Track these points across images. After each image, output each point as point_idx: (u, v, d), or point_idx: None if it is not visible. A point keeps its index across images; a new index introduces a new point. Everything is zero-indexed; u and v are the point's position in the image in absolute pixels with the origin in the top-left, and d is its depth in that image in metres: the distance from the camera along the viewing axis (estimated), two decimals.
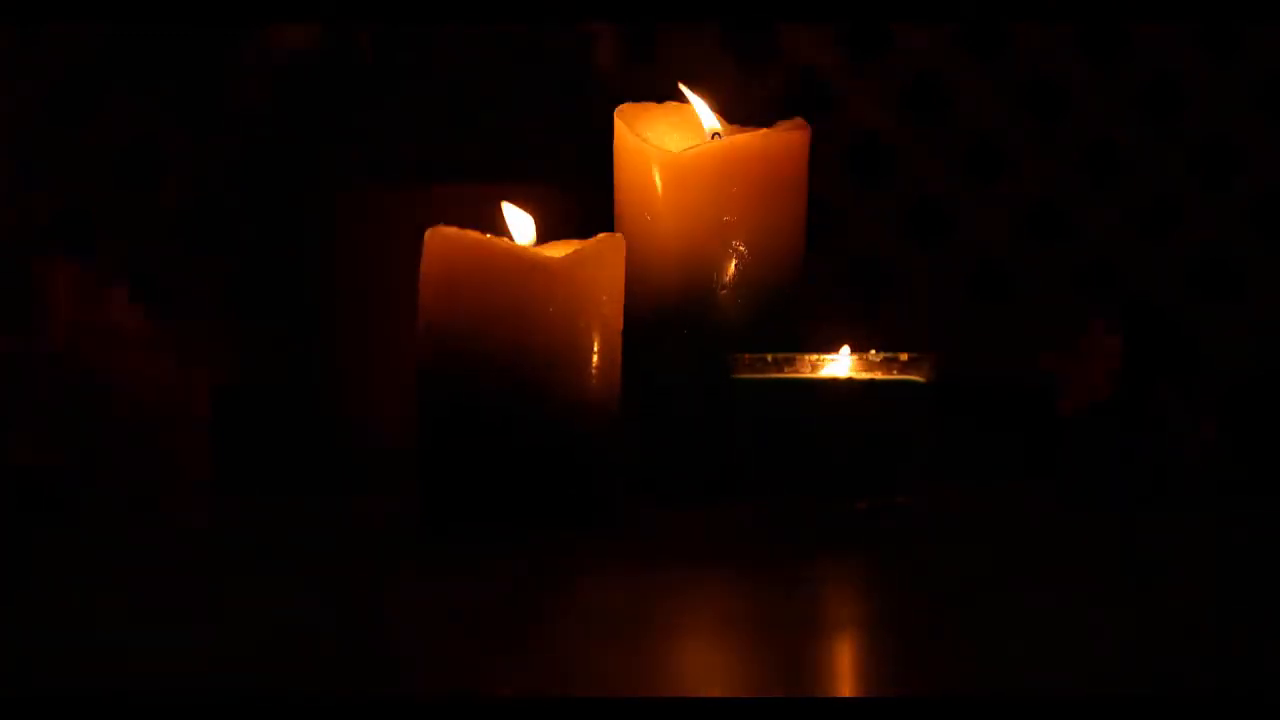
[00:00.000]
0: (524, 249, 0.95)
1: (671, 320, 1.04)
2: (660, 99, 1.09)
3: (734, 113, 1.08)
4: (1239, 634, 0.68)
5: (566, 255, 0.95)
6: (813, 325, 1.06)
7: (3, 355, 1.05)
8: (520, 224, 0.98)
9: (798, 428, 0.94)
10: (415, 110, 1.26)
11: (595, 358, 0.94)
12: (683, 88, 1.07)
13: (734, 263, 1.04)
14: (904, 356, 0.94)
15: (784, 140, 1.05)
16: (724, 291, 1.04)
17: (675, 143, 1.07)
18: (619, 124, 1.06)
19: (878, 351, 0.94)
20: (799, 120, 1.06)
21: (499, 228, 0.97)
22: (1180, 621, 0.71)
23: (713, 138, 1.07)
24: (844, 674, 0.64)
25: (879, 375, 0.93)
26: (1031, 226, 1.36)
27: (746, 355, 0.96)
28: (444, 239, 0.94)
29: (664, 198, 1.04)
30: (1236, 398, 1.14)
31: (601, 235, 0.96)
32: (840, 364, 0.94)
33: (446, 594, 0.79)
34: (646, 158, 1.04)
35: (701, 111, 1.07)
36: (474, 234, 0.93)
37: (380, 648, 0.67)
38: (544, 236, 0.98)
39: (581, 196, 1.16)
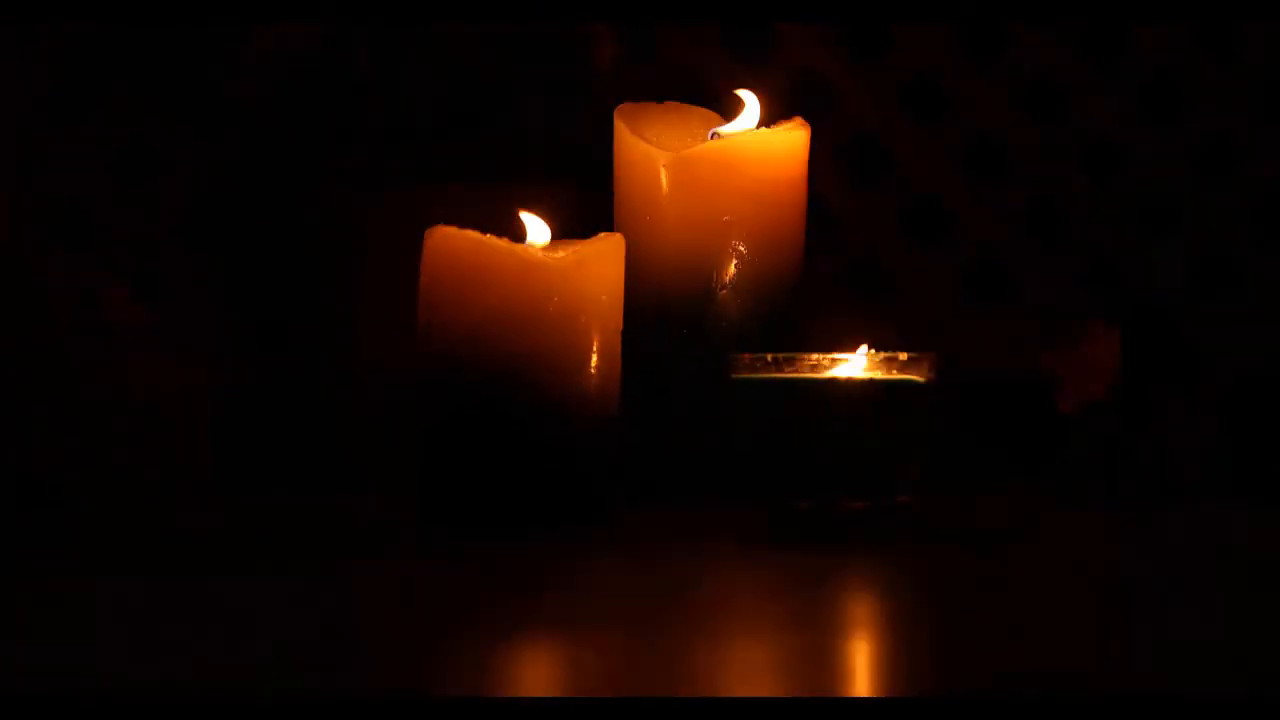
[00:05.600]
0: (524, 249, 0.95)
1: (671, 320, 1.04)
2: (660, 99, 1.09)
3: (735, 113, 1.08)
4: (1239, 634, 0.68)
5: (566, 255, 0.95)
6: (812, 325, 1.06)
7: (3, 355, 1.05)
8: (537, 228, 0.97)
9: (797, 428, 0.94)
10: (415, 110, 1.26)
11: (595, 358, 0.94)
12: (742, 92, 1.07)
13: (734, 263, 1.04)
14: (904, 356, 0.94)
15: (784, 140, 1.05)
16: (724, 291, 1.04)
17: (675, 143, 1.07)
18: (619, 124, 1.06)
19: (878, 351, 0.94)
20: (799, 120, 1.06)
21: (499, 228, 0.97)
22: (1180, 621, 0.71)
23: (712, 137, 1.07)
24: (844, 674, 0.64)
25: (879, 375, 0.93)
26: (1031, 226, 1.36)
27: (746, 355, 0.95)
28: (444, 239, 0.94)
29: (664, 197, 1.04)
30: (1236, 398, 1.14)
31: (601, 235, 0.96)
32: (855, 364, 0.94)
33: (446, 594, 0.79)
34: (647, 157, 1.04)
35: (750, 110, 1.06)
36: (474, 234, 0.93)
37: (379, 647, 0.67)
38: None
39: (581, 196, 1.16)
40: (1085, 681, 0.60)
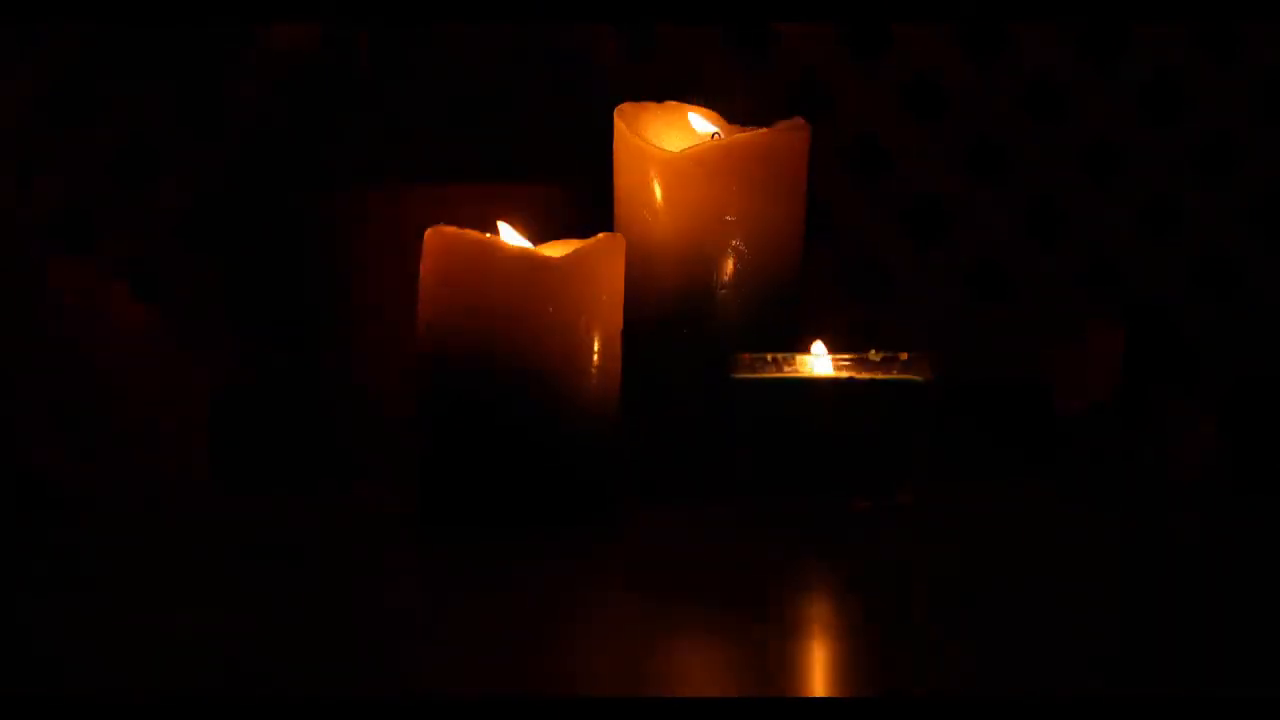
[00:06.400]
0: (524, 249, 0.95)
1: (671, 320, 1.04)
2: (660, 99, 1.09)
3: (734, 113, 1.08)
4: (1239, 634, 0.68)
5: (566, 255, 0.95)
6: (812, 325, 1.06)
7: (3, 355, 1.05)
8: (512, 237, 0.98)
9: (797, 428, 0.94)
10: (416, 110, 1.27)
11: (595, 358, 0.94)
12: (691, 112, 1.07)
13: (734, 262, 1.04)
14: (904, 356, 0.94)
15: (784, 140, 1.05)
16: (724, 291, 1.04)
17: (675, 142, 1.07)
18: (619, 124, 1.06)
19: (878, 351, 0.94)
20: (799, 120, 1.06)
21: (499, 228, 0.97)
22: (1180, 621, 0.71)
23: (712, 138, 1.07)
24: (843, 674, 0.64)
25: (879, 375, 0.93)
26: (1031, 226, 1.36)
27: (746, 355, 0.96)
28: (444, 239, 0.94)
29: (664, 197, 1.04)
30: (1236, 398, 1.14)
31: (601, 235, 0.96)
32: (821, 361, 0.94)
33: (446, 594, 0.79)
34: (646, 157, 1.04)
35: (698, 125, 1.07)
36: (474, 234, 0.93)
37: (379, 648, 0.67)
38: (544, 236, 0.98)
39: (581, 196, 1.16)
40: (1084, 681, 0.60)
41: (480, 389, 0.93)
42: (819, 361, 0.94)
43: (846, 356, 0.95)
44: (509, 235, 0.97)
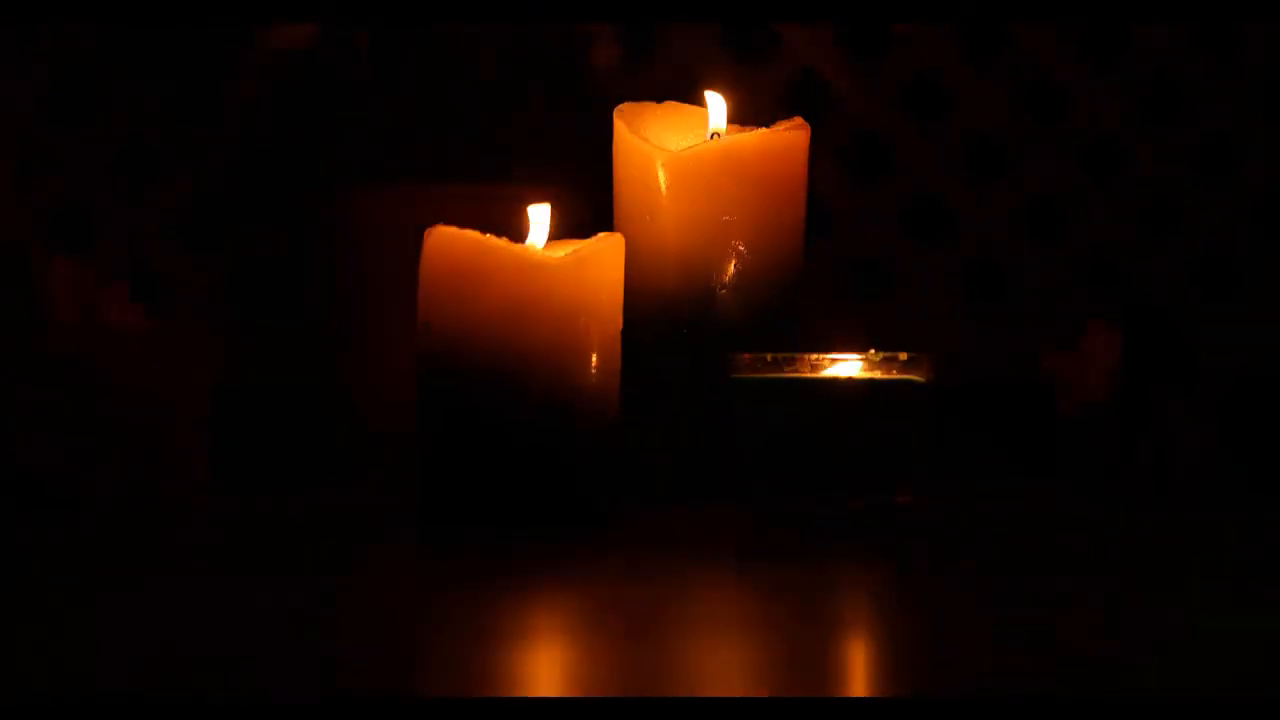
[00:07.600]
0: (524, 249, 0.95)
1: (671, 320, 1.04)
2: (660, 99, 1.09)
3: (734, 113, 1.08)
4: (1239, 634, 0.68)
5: (566, 255, 0.95)
6: (812, 325, 1.06)
7: (3, 355, 1.05)
8: (540, 223, 0.97)
9: (797, 427, 0.94)
10: (415, 110, 1.27)
11: (595, 358, 0.94)
12: (707, 93, 1.07)
13: (734, 263, 1.04)
14: (904, 356, 0.94)
15: (784, 140, 1.05)
16: (724, 291, 1.04)
17: (675, 142, 1.07)
18: (619, 124, 1.06)
19: (877, 351, 0.94)
20: (799, 120, 1.06)
21: (499, 228, 0.97)
22: (1181, 621, 0.71)
23: (712, 137, 1.07)
24: (843, 674, 0.64)
25: (879, 375, 0.93)
26: (1031, 226, 1.36)
27: (746, 355, 0.95)
28: (444, 239, 0.94)
29: (664, 197, 1.04)
30: (1236, 398, 1.14)
31: (601, 235, 0.96)
32: (847, 365, 0.94)
33: (445, 594, 0.79)
34: (646, 157, 1.04)
35: (716, 112, 1.07)
36: (474, 234, 0.93)
37: (379, 647, 0.67)
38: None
39: (581, 196, 1.16)
40: (1084, 682, 0.60)
41: (480, 389, 0.93)
42: (846, 365, 0.94)
43: (846, 356, 0.95)
44: (539, 217, 0.97)
